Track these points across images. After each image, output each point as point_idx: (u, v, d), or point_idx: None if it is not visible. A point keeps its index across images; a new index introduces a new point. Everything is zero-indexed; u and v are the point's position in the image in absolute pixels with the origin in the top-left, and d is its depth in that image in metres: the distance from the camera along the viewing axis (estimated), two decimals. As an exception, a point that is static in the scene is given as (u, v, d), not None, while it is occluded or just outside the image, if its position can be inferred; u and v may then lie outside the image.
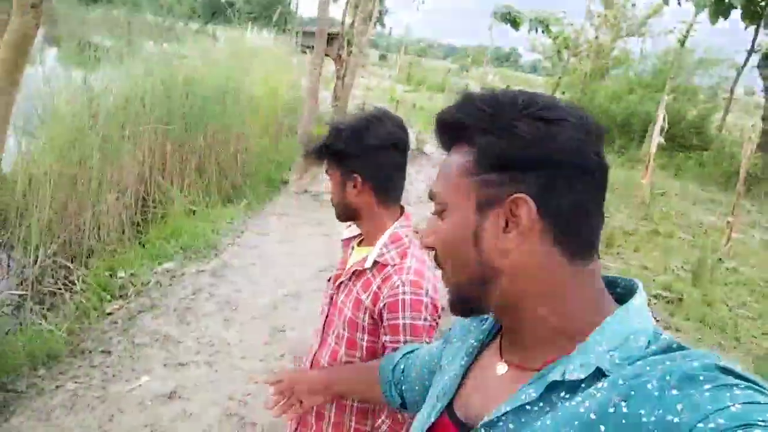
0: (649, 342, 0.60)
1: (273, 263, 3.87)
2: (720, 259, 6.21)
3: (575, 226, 0.65)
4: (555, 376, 0.61)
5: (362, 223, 1.41)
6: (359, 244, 1.45)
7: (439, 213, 0.73)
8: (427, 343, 1.22)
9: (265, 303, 3.33)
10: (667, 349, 0.59)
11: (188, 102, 5.90)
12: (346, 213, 1.41)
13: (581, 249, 0.66)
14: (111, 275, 3.85)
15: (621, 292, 0.71)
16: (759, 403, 0.47)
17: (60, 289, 3.74)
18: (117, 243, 4.47)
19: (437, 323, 1.27)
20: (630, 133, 14.77)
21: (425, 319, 1.23)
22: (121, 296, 3.63)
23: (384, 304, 1.25)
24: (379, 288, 1.28)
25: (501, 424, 0.64)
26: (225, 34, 12.48)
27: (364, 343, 1.32)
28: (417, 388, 1.01)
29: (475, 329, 0.83)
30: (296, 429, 1.44)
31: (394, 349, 1.22)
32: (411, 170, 9.77)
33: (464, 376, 0.78)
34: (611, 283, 0.71)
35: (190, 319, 3.11)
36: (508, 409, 0.64)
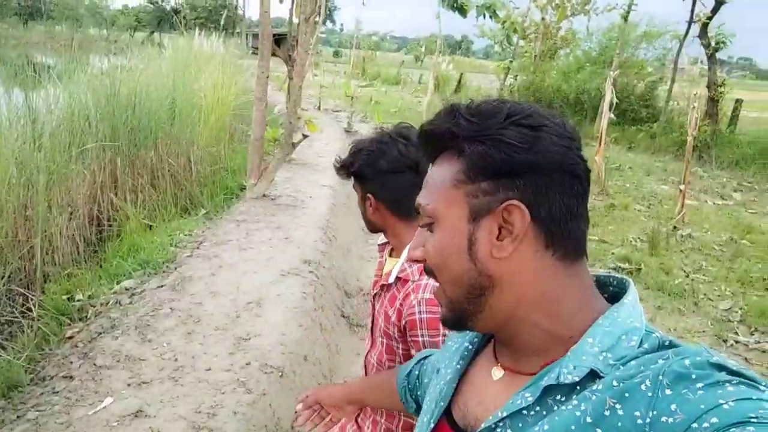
0: (641, 341, 0.62)
1: (233, 271, 3.84)
2: (675, 227, 6.41)
3: (565, 229, 0.67)
4: (550, 380, 0.63)
5: (387, 236, 1.53)
6: (390, 253, 1.56)
7: (429, 225, 0.73)
8: None
9: (228, 313, 3.31)
10: (660, 347, 0.61)
11: (135, 115, 5.79)
12: (371, 227, 1.55)
13: (570, 251, 0.68)
14: (69, 298, 3.77)
15: (614, 290, 0.73)
16: (751, 399, 0.48)
17: (17, 317, 3.65)
18: (72, 265, 4.38)
19: None
20: (582, 111, 15.07)
21: (444, 335, 1.28)
22: (80, 319, 3.56)
23: (406, 321, 1.35)
24: (401, 304, 1.37)
25: (499, 430, 0.66)
26: (172, 43, 12.24)
27: (400, 351, 1.43)
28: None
29: (469, 332, 0.84)
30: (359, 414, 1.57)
31: None
32: (371, 165, 9.83)
33: (460, 379, 0.80)
34: (603, 283, 0.74)
35: (152, 336, 3.07)
36: (504, 414, 0.65)
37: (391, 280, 1.42)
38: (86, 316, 3.53)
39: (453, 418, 0.77)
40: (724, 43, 12.51)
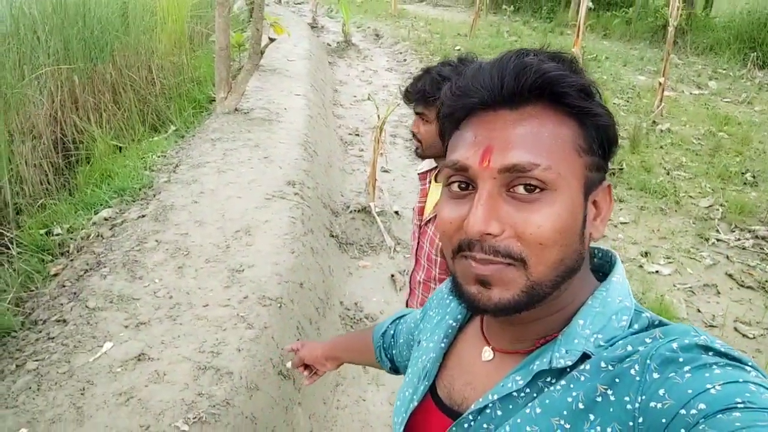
0: (631, 321, 0.61)
1: (216, 198, 3.72)
2: (654, 122, 6.40)
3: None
4: (542, 365, 0.61)
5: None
6: (436, 178, 1.62)
7: (529, 189, 0.60)
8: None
9: (217, 243, 3.23)
10: (649, 327, 0.59)
11: (86, 26, 5.33)
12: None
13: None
14: (47, 233, 3.63)
15: (598, 262, 0.71)
16: (738, 381, 0.48)
17: (-7, 256, 3.52)
18: (44, 195, 4.18)
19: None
20: (556, -5, 14.51)
21: None
22: (62, 254, 3.45)
23: None
24: None
25: (489, 411, 0.65)
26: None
27: (436, 275, 1.57)
28: (405, 353, 1.04)
29: (452, 305, 0.81)
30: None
31: None
32: (341, 64, 9.44)
33: (445, 356, 0.78)
34: (589, 254, 0.70)
35: (141, 272, 2.99)
36: (495, 397, 0.64)
37: None
38: (68, 251, 3.42)
39: (438, 396, 0.75)
40: None
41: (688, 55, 10.65)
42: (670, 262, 3.89)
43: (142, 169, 4.30)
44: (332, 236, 3.97)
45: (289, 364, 1.40)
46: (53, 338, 2.60)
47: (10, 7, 5.03)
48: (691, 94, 8.16)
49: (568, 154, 0.60)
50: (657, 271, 3.77)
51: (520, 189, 0.59)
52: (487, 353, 0.71)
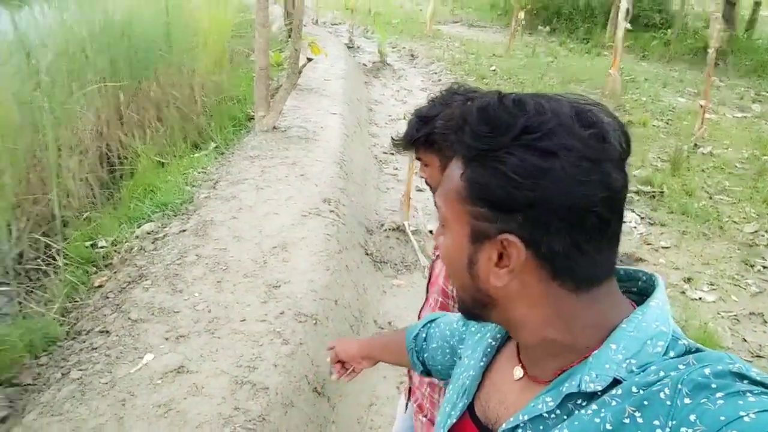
0: (667, 348, 0.59)
1: (254, 214, 3.78)
2: (695, 144, 6.28)
3: (573, 264, 0.61)
4: (571, 388, 0.61)
5: None
6: None
7: (442, 226, 0.71)
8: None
9: (254, 259, 3.28)
10: (686, 353, 0.58)
11: (132, 45, 5.52)
12: None
13: (582, 282, 0.62)
14: (92, 245, 3.75)
15: (642, 285, 0.69)
16: None
17: (41, 266, 3.64)
18: (90, 209, 4.31)
19: None
20: (593, 17, 14.43)
21: None
22: (106, 266, 3.55)
23: None
24: None
25: (520, 430, 0.65)
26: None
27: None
28: (438, 357, 1.06)
29: (492, 325, 0.82)
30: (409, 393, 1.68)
31: None
32: (377, 84, 9.53)
33: (484, 375, 0.79)
34: (632, 277, 0.70)
35: (182, 286, 3.06)
36: (525, 418, 0.64)
37: None
38: (112, 264, 3.52)
39: (475, 413, 0.77)
40: (745, -62, 11.74)
41: (730, 77, 10.43)
42: (713, 289, 3.78)
43: (184, 185, 4.41)
44: (367, 254, 3.99)
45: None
46: (96, 348, 2.67)
47: (61, 27, 5.25)
48: (733, 117, 7.98)
49: (453, 200, 0.66)
50: (700, 298, 3.67)
51: None
52: (518, 372, 0.73)
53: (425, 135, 1.39)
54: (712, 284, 3.82)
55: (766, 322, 3.48)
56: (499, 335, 0.81)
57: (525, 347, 0.72)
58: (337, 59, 9.22)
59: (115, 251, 3.63)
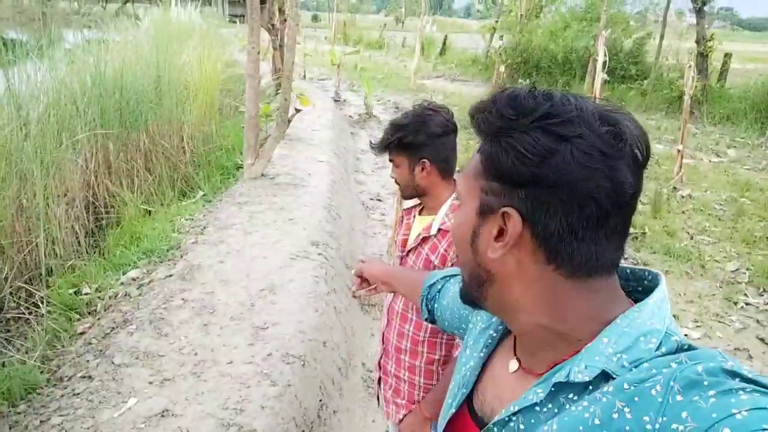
0: (660, 344, 0.59)
1: (242, 258, 3.78)
2: (674, 187, 6.42)
3: (568, 248, 0.63)
4: (560, 377, 0.62)
5: (427, 198, 1.71)
6: (420, 212, 1.77)
7: (459, 204, 0.75)
8: None
9: (242, 302, 3.26)
10: (678, 350, 0.59)
11: (123, 97, 5.62)
12: (416, 192, 1.73)
13: (579, 270, 0.63)
14: (75, 292, 3.70)
15: (648, 285, 0.70)
16: (765, 408, 0.47)
17: (23, 314, 3.58)
18: (75, 257, 4.28)
19: None
20: (571, 70, 14.92)
21: None
22: (89, 313, 3.50)
23: (452, 264, 1.55)
24: (446, 250, 1.58)
25: (512, 423, 0.66)
26: (147, 14, 11.84)
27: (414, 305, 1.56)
28: (447, 314, 1.10)
29: (495, 318, 0.83)
30: (378, 380, 1.91)
31: None
32: (363, 134, 9.70)
33: (483, 366, 0.81)
34: (639, 277, 0.71)
35: (167, 330, 3.02)
36: (517, 408, 0.65)
37: (433, 231, 1.62)
38: (95, 310, 3.47)
39: (473, 405, 0.78)
40: (712, -5, 12.36)
41: (705, 124, 10.77)
42: (698, 326, 3.80)
43: (171, 232, 4.41)
44: (354, 297, 3.97)
45: (352, 271, 1.46)
46: (78, 394, 2.61)
47: (53, 80, 5.35)
48: (710, 161, 8.20)
49: (470, 177, 0.71)
50: (686, 335, 3.69)
51: None
52: (513, 364, 0.74)
53: (397, 139, 1.65)
54: (696, 321, 3.85)
55: (751, 357, 3.49)
56: (500, 327, 0.82)
57: (521, 337, 0.73)
58: (324, 111, 9.42)
59: (99, 298, 3.59)
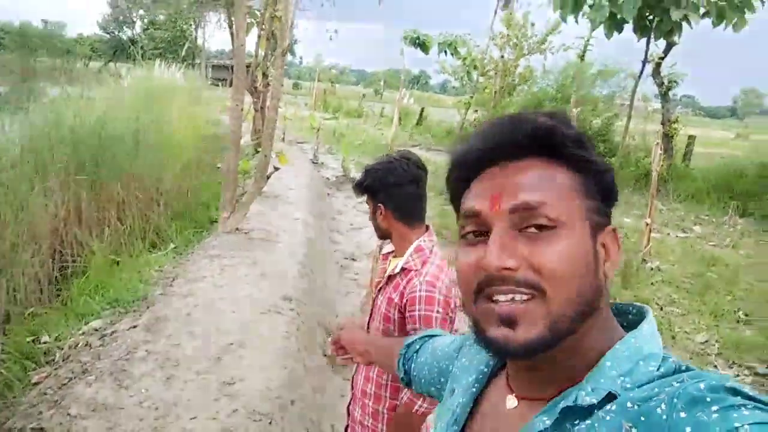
0: (659, 367, 0.61)
1: (211, 311, 3.68)
2: (644, 260, 6.54)
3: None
4: (567, 402, 0.61)
5: (393, 240, 1.81)
6: (394, 256, 1.85)
7: (540, 227, 0.64)
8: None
9: (209, 355, 3.15)
10: (676, 371, 0.60)
11: (100, 147, 5.59)
12: (380, 232, 1.84)
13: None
14: (34, 340, 3.54)
15: (633, 318, 0.72)
16: (766, 423, 0.47)
17: (-26, 362, 3.38)
18: (36, 304, 4.12)
19: (450, 317, 1.62)
20: (543, 145, 15.38)
21: (437, 312, 1.59)
22: (47, 363, 3.33)
23: (407, 299, 1.63)
24: (404, 287, 1.66)
25: None
26: (130, 73, 12.01)
27: (394, 334, 1.69)
28: (424, 372, 1.06)
29: (484, 353, 0.82)
30: (346, 429, 1.96)
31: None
32: (340, 196, 9.77)
33: (475, 404, 0.78)
34: (623, 311, 0.73)
35: (128, 382, 2.88)
36: None
37: (397, 270, 1.71)
38: (54, 360, 3.31)
39: None
40: (676, 82, 13.09)
41: (671, 201, 11.14)
42: (671, 397, 3.78)
43: (138, 282, 4.29)
44: (325, 355, 3.87)
45: (328, 351, 1.46)
46: (27, 448, 2.44)
47: (31, 127, 5.32)
48: (677, 236, 8.44)
49: (571, 197, 0.65)
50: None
51: (532, 228, 0.64)
52: (511, 401, 0.72)
53: (360, 183, 1.82)
54: (669, 392, 3.83)
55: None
56: (491, 363, 0.80)
57: (541, 368, 0.68)
58: (301, 171, 9.50)
59: (59, 347, 3.43)
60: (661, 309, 5.23)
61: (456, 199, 0.76)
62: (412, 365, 1.12)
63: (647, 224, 6.90)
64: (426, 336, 1.16)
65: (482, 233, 0.67)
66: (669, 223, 9.36)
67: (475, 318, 0.67)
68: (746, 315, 5.19)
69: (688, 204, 11.11)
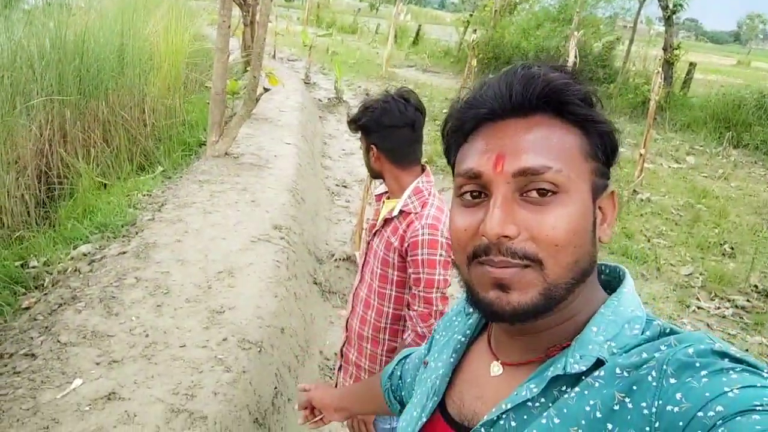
0: (644, 330, 0.61)
1: (201, 238, 3.66)
2: (635, 190, 6.54)
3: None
4: (556, 371, 0.61)
5: (386, 182, 1.76)
6: (388, 198, 1.81)
7: (542, 193, 0.61)
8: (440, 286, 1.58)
9: (198, 283, 3.16)
10: (661, 335, 0.59)
11: (83, 64, 5.37)
12: (372, 173, 1.80)
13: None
14: (22, 265, 3.53)
15: (605, 278, 0.71)
16: (755, 386, 0.48)
17: (-38, 285, 3.39)
18: (23, 227, 4.09)
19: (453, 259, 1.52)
20: (541, 68, 15.03)
21: (441, 255, 1.57)
22: (36, 287, 3.34)
23: (408, 244, 1.60)
24: (404, 231, 1.63)
25: (502, 422, 0.63)
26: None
27: (394, 277, 1.68)
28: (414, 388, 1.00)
29: (460, 324, 0.81)
30: (339, 368, 1.94)
31: (417, 280, 1.59)
32: (331, 119, 9.59)
33: (454, 373, 0.77)
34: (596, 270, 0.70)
35: (118, 309, 2.90)
36: (509, 406, 0.63)
37: (395, 213, 1.67)
38: (43, 285, 3.32)
39: (448, 412, 0.75)
40: (681, 5, 12.62)
41: (667, 131, 11.03)
42: (651, 328, 3.88)
43: (127, 207, 4.25)
44: (315, 283, 3.92)
45: (295, 406, 1.36)
46: (19, 373, 2.48)
47: (9, 40, 5.07)
48: (669, 167, 8.41)
49: (575, 159, 0.63)
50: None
51: (534, 193, 0.62)
52: (496, 368, 0.71)
53: (355, 120, 1.74)
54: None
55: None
56: (468, 331, 0.78)
57: (526, 333, 0.67)
58: (293, 92, 9.25)
59: (48, 272, 3.43)
60: (649, 241, 5.28)
61: (451, 151, 0.72)
62: (403, 393, 1.08)
63: (641, 155, 6.85)
64: (401, 359, 1.12)
65: (481, 194, 0.65)
66: (663, 153, 9.30)
67: (468, 281, 0.66)
68: (732, 248, 5.26)
69: (683, 133, 11.02)
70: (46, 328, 2.78)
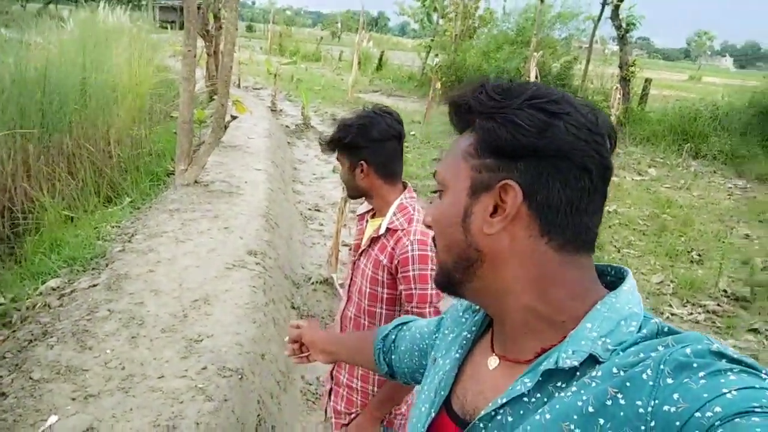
0: (640, 327, 0.62)
1: (174, 267, 3.60)
2: (602, 203, 6.67)
3: (563, 219, 0.65)
4: (548, 365, 0.62)
5: (372, 200, 1.74)
6: (372, 217, 1.79)
7: (439, 193, 0.75)
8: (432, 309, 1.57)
9: (174, 313, 3.10)
10: (659, 333, 0.60)
11: (45, 97, 5.28)
12: (357, 192, 1.76)
13: (569, 243, 0.65)
14: (-13, 303, 3.40)
15: (611, 280, 0.72)
16: (754, 387, 0.48)
17: (-75, 327, 3.25)
18: (-14, 265, 3.96)
19: None
20: (503, 89, 15.36)
21: (431, 269, 1.55)
22: (4, 325, 3.22)
23: (398, 261, 1.59)
24: (393, 248, 1.62)
25: (499, 417, 0.65)
26: (72, 16, 11.26)
27: (384, 295, 1.67)
28: (406, 360, 1.06)
29: (467, 321, 0.83)
30: (329, 392, 1.89)
31: (409, 296, 1.59)
32: (300, 144, 9.59)
33: (460, 369, 0.78)
34: (601, 272, 0.72)
35: (92, 342, 2.81)
36: (504, 400, 0.65)
37: (382, 231, 1.65)
38: (11, 322, 3.20)
39: (452, 408, 0.77)
40: (634, 24, 13.12)
41: (627, 145, 11.35)
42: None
43: (95, 239, 4.15)
44: (294, 308, 3.88)
45: (286, 338, 1.38)
46: (-11, 413, 2.38)
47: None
48: (633, 179, 8.64)
49: (456, 160, 0.72)
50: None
51: (437, 193, 0.76)
52: (493, 361, 0.73)
53: (339, 139, 1.70)
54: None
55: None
56: (474, 328, 0.81)
57: (503, 325, 0.72)
58: (260, 119, 9.25)
59: (15, 308, 3.31)
60: (619, 251, 5.39)
61: None
62: (393, 357, 1.11)
63: (605, 168, 7.01)
64: (400, 324, 1.14)
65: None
66: (625, 166, 9.56)
67: None
68: (699, 255, 5.41)
69: (643, 147, 11.36)
70: (17, 365, 2.68)
